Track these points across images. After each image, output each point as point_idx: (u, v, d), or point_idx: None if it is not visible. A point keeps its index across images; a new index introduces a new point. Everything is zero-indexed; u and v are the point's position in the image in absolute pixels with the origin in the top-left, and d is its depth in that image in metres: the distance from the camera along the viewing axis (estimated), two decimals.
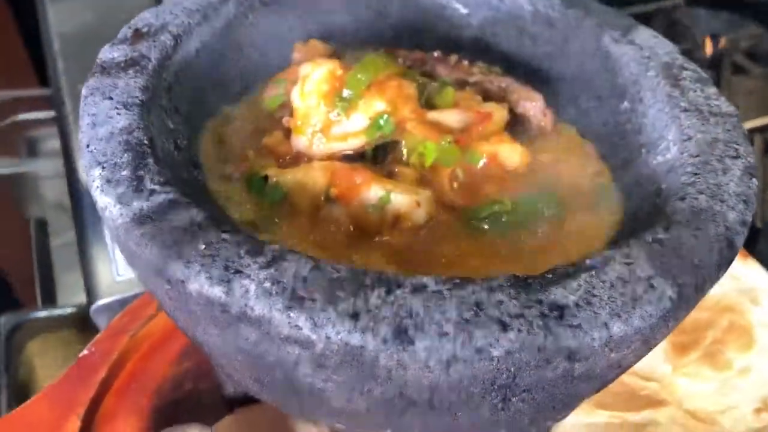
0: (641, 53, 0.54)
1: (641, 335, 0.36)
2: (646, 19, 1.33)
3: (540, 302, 0.35)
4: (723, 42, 1.35)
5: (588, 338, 0.34)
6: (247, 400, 0.59)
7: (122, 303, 0.72)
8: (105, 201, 0.39)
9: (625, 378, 0.63)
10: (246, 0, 0.56)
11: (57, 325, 1.28)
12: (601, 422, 0.59)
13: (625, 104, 0.54)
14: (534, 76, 0.59)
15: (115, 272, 0.77)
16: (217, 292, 0.34)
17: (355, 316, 0.33)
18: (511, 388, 0.36)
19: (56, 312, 1.28)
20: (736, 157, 0.45)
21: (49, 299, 1.57)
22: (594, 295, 0.35)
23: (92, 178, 0.40)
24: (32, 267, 1.71)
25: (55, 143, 1.97)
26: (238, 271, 0.35)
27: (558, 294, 0.35)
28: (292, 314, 0.33)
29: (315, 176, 0.43)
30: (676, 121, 0.49)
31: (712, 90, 0.51)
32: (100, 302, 0.75)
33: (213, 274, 0.35)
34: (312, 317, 0.33)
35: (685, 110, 0.49)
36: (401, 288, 0.35)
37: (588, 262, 0.37)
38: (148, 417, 0.60)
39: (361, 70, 0.46)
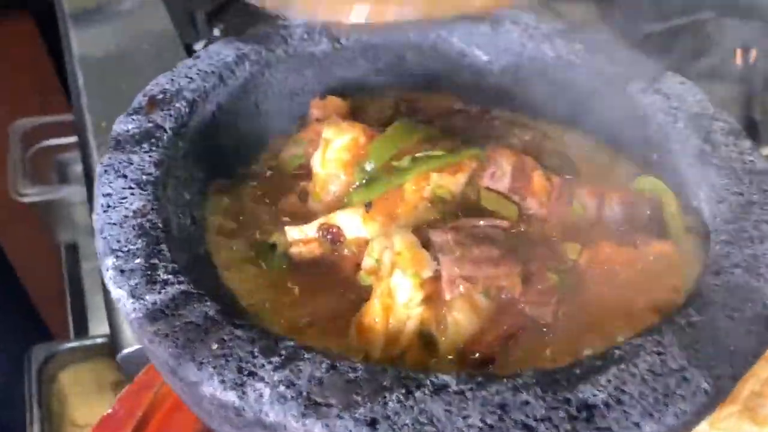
0: (669, 103, 0.52)
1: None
2: (676, 33, 1.29)
3: (568, 402, 0.33)
4: (755, 54, 1.31)
5: None
6: None
7: None
8: (119, 293, 0.38)
9: None
10: (262, 58, 0.54)
11: (87, 354, 1.29)
12: None
13: (655, 156, 0.52)
14: (562, 124, 0.57)
15: None
16: (231, 396, 0.33)
17: (373, 423, 0.32)
18: None
19: (86, 342, 1.29)
20: None
21: (81, 323, 1.59)
22: (624, 392, 0.34)
23: (105, 267, 0.39)
24: (63, 291, 1.73)
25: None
26: (252, 374, 0.34)
27: (587, 392, 0.33)
28: (307, 422, 0.32)
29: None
30: (707, 180, 0.47)
31: (747, 144, 0.49)
32: (127, 351, 0.74)
33: (226, 377, 0.34)
34: (328, 425, 0.32)
35: (718, 167, 0.47)
36: (421, 389, 0.33)
37: (617, 352, 0.35)
38: None
39: (385, 142, 0.45)
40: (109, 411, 0.64)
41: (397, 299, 0.39)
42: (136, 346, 0.75)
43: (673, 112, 0.51)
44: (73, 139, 1.96)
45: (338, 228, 0.45)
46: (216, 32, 1.24)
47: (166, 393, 0.65)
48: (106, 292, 0.83)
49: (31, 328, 1.61)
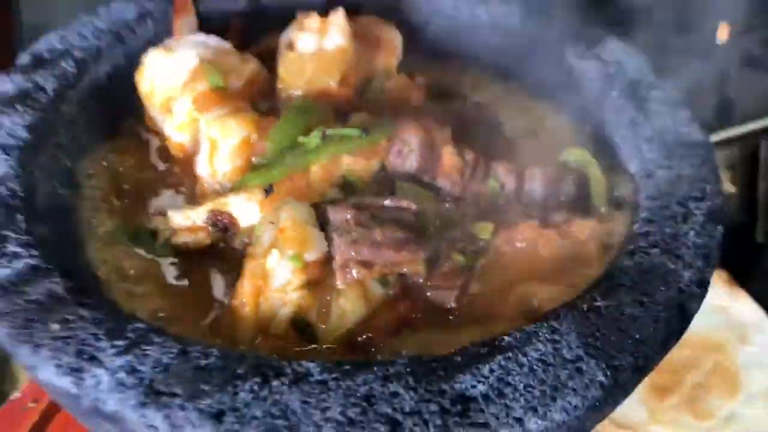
0: (606, 69, 0.48)
1: (567, 427, 0.30)
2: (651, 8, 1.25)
3: (443, 393, 0.29)
4: (734, 28, 1.27)
5: None
6: None
7: None
8: None
9: (597, 425, 0.57)
10: (166, 18, 0.50)
11: None
12: None
13: (588, 127, 0.48)
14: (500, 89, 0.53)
15: None
16: (66, 383, 0.30)
17: (219, 416, 0.28)
18: None
19: None
20: (701, 199, 0.39)
21: None
22: (508, 384, 0.30)
23: None
24: None
25: None
26: (92, 358, 0.30)
27: (465, 382, 0.30)
28: (146, 412, 0.29)
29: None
30: (638, 152, 0.43)
31: (685, 114, 0.45)
32: None
33: (63, 361, 0.30)
34: (169, 416, 0.28)
35: (649, 140, 0.43)
36: (280, 378, 0.30)
37: (507, 339, 0.32)
38: None
39: (282, 133, 0.41)
40: (14, 395, 0.60)
41: (272, 283, 0.35)
42: None
43: (609, 79, 0.47)
44: None
45: (230, 215, 0.40)
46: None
47: None
48: None
49: None
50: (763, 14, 1.28)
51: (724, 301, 0.61)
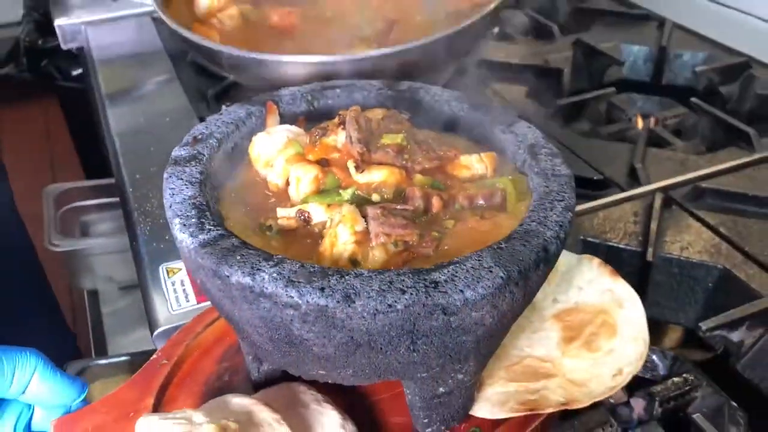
0: (516, 138, 0.84)
1: (487, 300, 0.63)
2: (584, 106, 1.63)
3: (425, 280, 0.63)
4: (653, 121, 1.66)
5: (451, 299, 0.62)
6: (267, 385, 0.86)
7: (175, 329, 0.99)
8: (182, 236, 0.68)
9: (530, 362, 0.89)
10: (262, 114, 0.86)
11: (114, 370, 1.57)
12: (512, 390, 0.85)
13: (509, 168, 0.83)
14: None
15: (170, 308, 1.05)
16: (248, 280, 0.63)
17: (322, 289, 0.62)
18: (414, 333, 0.63)
19: (113, 360, 1.57)
20: (561, 200, 0.73)
21: (102, 354, 1.87)
22: (456, 276, 0.63)
23: (173, 224, 0.69)
24: (87, 330, 2.01)
25: (103, 225, 2.31)
26: (258, 269, 0.63)
27: (435, 275, 0.63)
28: (288, 289, 0.62)
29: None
30: (531, 179, 0.78)
31: (558, 160, 0.80)
32: (159, 329, 1.03)
33: (245, 270, 0.63)
34: (299, 290, 0.62)
35: (537, 173, 0.78)
36: (348, 275, 0.63)
37: (456, 259, 0.65)
38: (199, 398, 0.87)
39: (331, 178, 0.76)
40: (153, 357, 0.92)
41: (339, 240, 0.69)
42: (165, 326, 1.04)
43: (518, 143, 0.83)
44: (94, 201, 2.29)
45: (308, 212, 0.75)
46: (223, 108, 1.57)
47: (193, 347, 0.93)
48: (145, 300, 1.12)
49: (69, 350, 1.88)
50: (671, 109, 1.67)
51: (610, 285, 0.94)
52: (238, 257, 0.65)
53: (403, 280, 0.63)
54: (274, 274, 0.63)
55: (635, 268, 1.15)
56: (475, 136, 0.88)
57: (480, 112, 0.88)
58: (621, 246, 1.18)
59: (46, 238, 1.95)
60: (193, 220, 0.69)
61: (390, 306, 0.61)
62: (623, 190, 1.31)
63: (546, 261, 0.68)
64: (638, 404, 1.01)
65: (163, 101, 1.63)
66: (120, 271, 2.01)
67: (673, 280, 1.16)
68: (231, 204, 0.77)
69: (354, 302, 0.61)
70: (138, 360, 1.33)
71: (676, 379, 1.02)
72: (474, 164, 0.79)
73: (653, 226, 1.18)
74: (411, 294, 0.61)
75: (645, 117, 1.66)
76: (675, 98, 1.70)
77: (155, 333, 1.04)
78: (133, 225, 1.19)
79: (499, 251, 0.66)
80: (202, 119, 1.46)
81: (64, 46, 1.90)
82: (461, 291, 0.62)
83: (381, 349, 0.65)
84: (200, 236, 0.67)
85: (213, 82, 1.66)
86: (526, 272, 0.66)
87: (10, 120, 3.69)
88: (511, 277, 0.64)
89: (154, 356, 0.92)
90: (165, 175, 0.76)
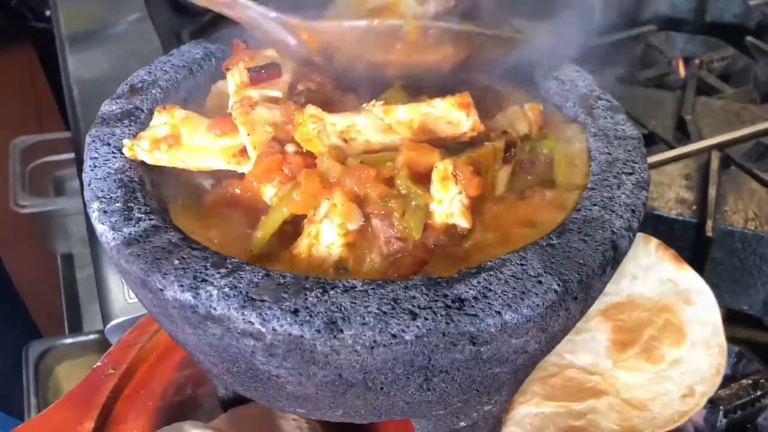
0: (563, 87, 0.63)
1: (533, 323, 0.44)
2: (617, 47, 1.41)
3: (446, 296, 0.43)
4: (696, 64, 1.43)
5: (484, 324, 0.42)
6: (239, 402, 0.68)
7: (132, 322, 0.81)
8: (101, 228, 0.48)
9: (573, 373, 0.70)
10: (225, 55, 0.65)
11: (81, 350, 1.38)
12: (549, 412, 0.67)
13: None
14: None
15: (126, 296, 0.86)
16: (187, 296, 0.43)
17: (295, 312, 0.42)
18: (430, 369, 0.44)
19: (80, 338, 1.39)
20: (631, 174, 0.53)
21: (76, 327, 1.69)
22: (490, 290, 0.44)
23: (92, 210, 0.49)
24: (59, 298, 1.83)
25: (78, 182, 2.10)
26: (204, 280, 0.44)
27: (461, 289, 0.44)
28: (245, 313, 0.42)
29: None
30: (587, 144, 0.57)
31: (621, 116, 0.59)
32: (113, 322, 0.84)
33: (184, 283, 0.44)
34: (261, 314, 0.42)
35: (594, 135, 0.57)
36: (334, 289, 0.43)
37: (488, 263, 0.45)
38: (153, 417, 0.69)
39: None
40: (98, 364, 0.73)
41: (321, 241, 0.49)
42: (123, 318, 0.85)
43: (565, 94, 0.62)
44: (69, 155, 2.09)
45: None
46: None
47: (148, 350, 0.75)
48: (99, 286, 0.93)
49: (26, 329, 1.70)
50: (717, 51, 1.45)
51: (672, 274, 0.74)
52: (176, 261, 0.45)
53: (414, 297, 0.43)
54: (226, 289, 0.43)
55: (689, 242, 0.95)
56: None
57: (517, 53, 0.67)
58: (672, 216, 0.97)
59: (11, 197, 1.75)
60: (118, 204, 0.49)
61: (394, 336, 0.42)
62: (671, 148, 1.10)
63: (614, 262, 0.48)
64: (698, 413, 0.82)
65: (132, 43, 1.41)
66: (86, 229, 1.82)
67: (735, 257, 0.96)
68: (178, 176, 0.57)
69: (342, 331, 0.42)
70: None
71: (744, 382, 0.83)
72: (513, 119, 0.58)
73: (711, 191, 0.98)
74: (425, 319, 0.42)
75: (687, 60, 1.43)
76: (722, 37, 1.47)
77: (108, 326, 0.85)
78: None
79: (550, 251, 0.47)
80: None
81: None
82: (498, 313, 0.43)
83: (381, 389, 0.46)
84: (125, 228, 0.47)
85: (189, 19, 1.43)
86: (588, 281, 0.46)
87: None
88: (569, 290, 0.45)
89: (98, 364, 0.73)
90: (87, 139, 0.55)
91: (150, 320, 0.77)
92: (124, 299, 0.87)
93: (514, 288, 0.44)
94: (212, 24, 1.40)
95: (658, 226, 0.97)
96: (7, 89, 3.44)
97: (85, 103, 1.25)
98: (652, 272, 0.75)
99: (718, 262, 0.95)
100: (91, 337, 1.37)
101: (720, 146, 1.08)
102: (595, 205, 0.50)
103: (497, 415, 0.60)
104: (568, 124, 0.60)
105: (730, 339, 0.94)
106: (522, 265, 0.45)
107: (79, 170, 1.13)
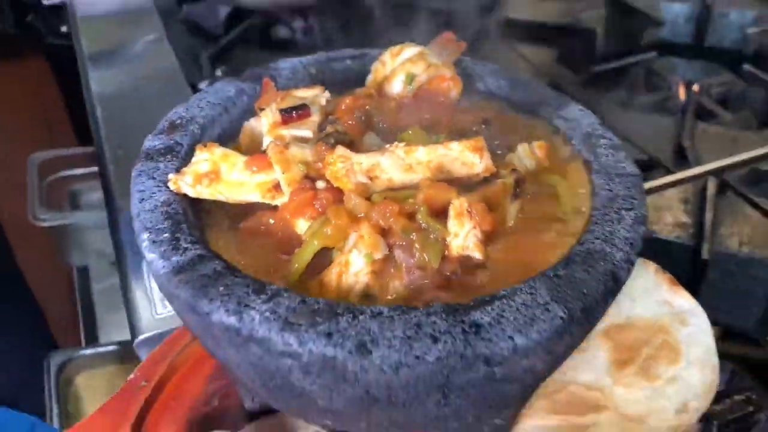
0: (567, 125, 0.68)
1: (541, 346, 0.49)
2: (620, 72, 1.47)
3: (463, 322, 0.48)
4: (696, 88, 1.48)
5: (497, 348, 0.48)
6: (263, 414, 0.73)
7: (160, 336, 0.86)
8: (151, 257, 0.53)
9: (575, 389, 0.75)
10: (256, 92, 0.71)
11: (101, 361, 1.44)
12: (554, 425, 0.71)
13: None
14: None
15: (154, 311, 0.91)
16: (232, 321, 0.48)
17: (329, 335, 0.47)
18: (448, 386, 0.49)
19: (100, 349, 1.44)
20: (630, 209, 0.58)
21: (92, 338, 1.74)
22: (503, 317, 0.49)
23: (141, 240, 0.55)
24: (75, 310, 1.88)
25: (94, 196, 2.17)
26: (246, 306, 0.49)
27: (476, 316, 0.49)
28: (284, 335, 0.47)
29: None
30: (590, 180, 0.62)
31: (622, 154, 0.64)
32: (142, 337, 0.89)
33: (229, 308, 0.49)
34: (299, 337, 0.47)
35: (596, 171, 0.62)
36: (363, 314, 0.48)
37: (501, 292, 0.51)
38: (183, 427, 0.74)
39: None
40: (132, 377, 0.78)
41: (350, 270, 0.54)
42: (151, 332, 0.90)
43: (570, 132, 0.67)
44: (84, 170, 2.14)
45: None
46: (218, 73, 1.41)
47: (177, 364, 0.80)
48: (127, 301, 0.98)
49: (43, 341, 1.75)
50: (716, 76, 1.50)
51: (668, 296, 0.79)
52: (221, 288, 0.50)
53: (435, 323, 0.48)
54: (267, 313, 0.48)
55: (686, 264, 1.00)
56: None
57: (520, 91, 0.72)
58: (670, 239, 1.03)
59: (29, 211, 1.80)
60: (166, 235, 0.54)
61: (418, 358, 0.47)
62: (670, 172, 1.15)
63: (613, 292, 0.53)
64: (693, 428, 0.87)
65: (152, 62, 1.46)
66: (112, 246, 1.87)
67: (729, 279, 1.01)
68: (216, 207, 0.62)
69: (371, 353, 0.47)
70: (129, 349, 1.19)
71: (737, 398, 0.88)
72: (522, 157, 0.63)
73: (708, 216, 1.03)
74: (445, 342, 0.47)
75: (688, 85, 1.49)
76: (720, 63, 1.53)
77: (137, 341, 0.90)
78: (115, 211, 1.04)
79: (556, 281, 0.52)
80: (193, 86, 1.30)
81: (45, 1, 1.73)
82: (510, 338, 0.48)
83: (403, 404, 0.51)
84: (174, 257, 0.53)
85: (207, 42, 1.49)
86: (591, 309, 0.51)
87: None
88: (574, 317, 0.50)
89: (132, 376, 0.78)
90: (134, 173, 0.61)
91: (178, 336, 0.82)
92: (150, 315, 0.92)
93: (525, 315, 0.49)
94: (229, 48, 1.46)
95: (655, 249, 1.02)
96: (20, 100, 3.50)
97: (108, 120, 1.30)
98: (650, 295, 0.80)
99: (714, 284, 1.00)
100: (110, 348, 1.43)
101: (716, 172, 1.13)
102: (597, 238, 0.55)
103: (506, 429, 0.65)
104: (572, 160, 0.65)
105: (725, 356, 1.00)
106: (531, 293, 0.50)
107: (104, 185, 1.19)
